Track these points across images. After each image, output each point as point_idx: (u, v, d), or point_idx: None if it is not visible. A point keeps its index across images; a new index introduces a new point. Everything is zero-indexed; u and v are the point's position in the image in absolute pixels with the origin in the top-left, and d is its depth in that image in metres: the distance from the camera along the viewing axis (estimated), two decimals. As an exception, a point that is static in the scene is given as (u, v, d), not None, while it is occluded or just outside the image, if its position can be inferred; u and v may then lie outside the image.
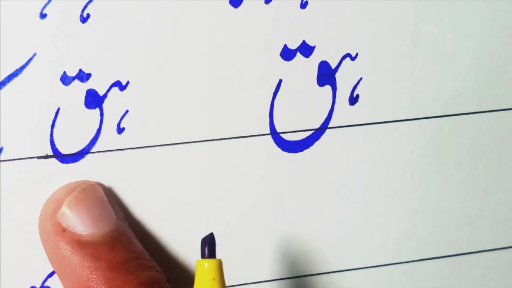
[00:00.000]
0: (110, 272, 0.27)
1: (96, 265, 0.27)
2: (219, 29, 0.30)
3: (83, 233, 0.27)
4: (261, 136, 0.31)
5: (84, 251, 0.27)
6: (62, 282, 0.28)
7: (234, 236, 0.31)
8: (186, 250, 0.31)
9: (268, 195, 0.31)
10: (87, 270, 0.27)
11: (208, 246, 0.26)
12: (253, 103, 0.31)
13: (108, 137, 0.29)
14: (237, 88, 0.30)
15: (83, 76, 0.29)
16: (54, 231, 0.27)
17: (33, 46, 0.28)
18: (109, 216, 0.28)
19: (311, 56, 0.31)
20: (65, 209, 0.28)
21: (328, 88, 0.31)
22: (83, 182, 0.29)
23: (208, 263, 0.26)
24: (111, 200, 0.29)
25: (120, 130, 0.29)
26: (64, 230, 0.27)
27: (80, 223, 0.28)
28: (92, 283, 0.27)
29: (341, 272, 0.33)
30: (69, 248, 0.27)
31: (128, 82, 0.29)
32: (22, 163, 0.29)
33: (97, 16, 0.29)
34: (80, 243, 0.27)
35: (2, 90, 0.28)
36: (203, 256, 0.26)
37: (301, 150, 0.32)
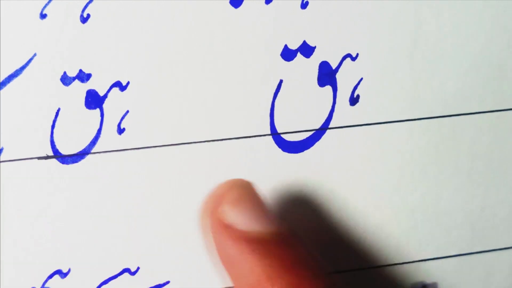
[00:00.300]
0: (283, 271, 0.26)
1: (267, 263, 0.26)
2: (219, 29, 0.30)
3: (249, 230, 0.26)
4: (262, 137, 0.31)
5: (251, 248, 0.26)
6: (232, 280, 0.27)
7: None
8: (188, 251, 0.31)
9: (268, 196, 0.31)
10: (258, 268, 0.26)
11: None
12: (254, 104, 0.31)
13: (109, 137, 0.29)
14: (237, 89, 0.30)
15: (83, 77, 0.29)
16: (217, 227, 0.26)
17: (33, 46, 0.28)
18: (271, 214, 0.27)
19: (311, 57, 0.31)
20: (227, 206, 0.27)
21: (328, 88, 0.31)
22: (241, 179, 0.28)
23: None
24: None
25: (120, 130, 0.29)
26: (227, 226, 0.26)
27: (244, 218, 0.27)
28: (264, 282, 0.26)
29: (341, 274, 0.33)
30: (234, 245, 0.26)
31: (128, 83, 0.29)
32: (23, 163, 0.29)
33: (97, 16, 0.29)
34: (247, 240, 0.26)
35: (2, 91, 0.28)
36: None
37: (302, 151, 0.32)
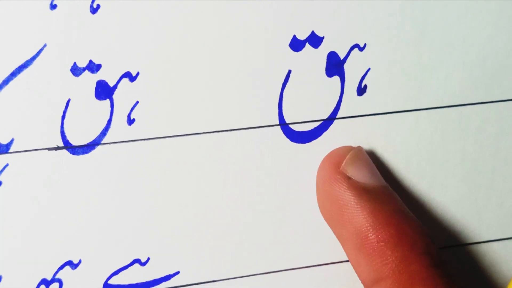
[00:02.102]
0: (394, 216, 0.29)
1: (380, 208, 0.29)
2: (228, 20, 0.30)
3: (366, 182, 0.30)
4: (270, 127, 0.31)
5: (367, 197, 0.30)
6: (338, 230, 0.30)
7: (243, 226, 0.31)
8: (197, 241, 0.31)
9: (277, 186, 0.31)
10: (370, 213, 0.29)
11: None
12: (262, 94, 0.31)
13: (119, 128, 0.29)
14: (246, 79, 0.30)
15: (93, 67, 0.29)
16: (340, 179, 0.30)
17: (43, 37, 0.28)
18: (378, 172, 0.31)
19: (320, 47, 0.31)
20: (349, 161, 0.31)
21: (336, 78, 0.31)
22: (354, 147, 0.32)
23: None
24: None
25: (130, 121, 0.29)
26: (349, 178, 0.30)
27: (362, 173, 0.31)
28: (376, 225, 0.29)
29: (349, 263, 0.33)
30: (353, 194, 0.30)
31: (138, 73, 0.29)
32: (33, 154, 0.29)
33: (107, 6, 0.29)
34: (364, 190, 0.30)
35: (12, 82, 0.28)
36: None
37: (310, 141, 0.32)
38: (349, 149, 0.31)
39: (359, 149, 0.31)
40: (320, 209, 0.32)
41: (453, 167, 0.33)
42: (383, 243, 0.29)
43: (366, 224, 0.29)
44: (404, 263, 0.28)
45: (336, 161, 0.31)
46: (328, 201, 0.31)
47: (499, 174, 0.34)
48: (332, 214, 0.31)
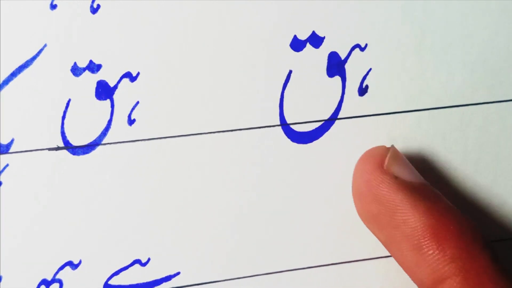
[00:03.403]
0: (449, 212, 0.29)
1: (433, 206, 0.29)
2: (229, 20, 0.30)
3: (412, 180, 0.30)
4: (271, 127, 0.31)
5: (418, 196, 0.29)
6: (388, 233, 0.29)
7: (244, 226, 0.31)
8: (197, 242, 0.31)
9: (278, 186, 0.31)
10: (425, 212, 0.29)
11: None
12: (263, 94, 0.31)
13: (119, 128, 0.29)
14: (247, 79, 0.30)
15: (93, 67, 0.29)
16: (388, 179, 0.29)
17: (43, 37, 0.28)
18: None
19: (320, 47, 0.31)
20: (392, 160, 0.30)
21: (337, 79, 0.31)
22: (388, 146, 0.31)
23: None
24: None
25: (131, 121, 0.29)
26: (396, 177, 0.30)
27: (406, 172, 0.30)
28: (434, 223, 0.29)
29: (351, 263, 0.33)
30: (405, 194, 0.29)
31: (138, 73, 0.29)
32: (33, 154, 0.29)
33: (107, 6, 0.29)
34: (414, 189, 0.29)
35: (12, 82, 0.28)
36: None
37: (311, 141, 0.32)
38: (385, 148, 0.31)
39: (395, 147, 0.31)
40: (362, 213, 0.31)
41: (454, 168, 0.33)
42: (444, 241, 0.28)
43: (424, 224, 0.29)
44: (470, 259, 0.28)
45: (377, 161, 0.30)
46: (375, 204, 0.30)
47: (501, 175, 0.34)
48: (380, 217, 0.30)
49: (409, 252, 0.29)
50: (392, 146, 0.31)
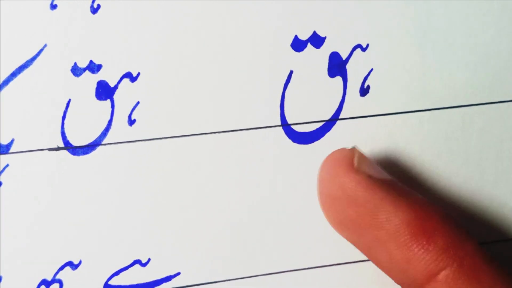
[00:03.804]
0: (428, 204, 0.29)
1: (413, 200, 0.29)
2: (229, 20, 0.30)
3: (383, 178, 0.29)
4: (272, 128, 0.31)
5: (396, 192, 0.29)
6: (371, 235, 0.29)
7: (244, 227, 0.31)
8: (198, 242, 0.31)
9: (278, 187, 0.31)
10: (408, 207, 0.28)
11: None
12: (264, 95, 0.31)
13: (119, 128, 0.29)
14: (248, 80, 0.30)
15: (94, 67, 0.29)
16: (362, 179, 0.29)
17: (43, 37, 0.28)
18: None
19: (321, 47, 0.31)
20: (361, 159, 0.29)
21: (339, 79, 0.31)
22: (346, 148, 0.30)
23: None
24: None
25: (131, 121, 0.29)
26: (370, 176, 0.29)
27: (376, 169, 0.29)
28: (420, 217, 0.28)
29: (355, 264, 0.33)
30: (386, 192, 0.29)
31: (139, 74, 0.29)
32: (33, 155, 0.29)
33: (107, 6, 0.29)
34: (389, 186, 0.29)
35: (13, 82, 0.28)
36: None
37: (312, 142, 0.31)
38: (348, 150, 0.30)
39: (357, 148, 0.30)
40: (337, 221, 0.30)
41: (456, 169, 0.33)
42: (433, 233, 0.28)
43: (408, 219, 0.28)
44: (460, 246, 0.28)
45: (347, 163, 0.29)
46: (352, 207, 0.29)
47: (503, 175, 0.34)
48: (359, 221, 0.29)
49: (398, 251, 0.28)
50: (355, 146, 0.30)
